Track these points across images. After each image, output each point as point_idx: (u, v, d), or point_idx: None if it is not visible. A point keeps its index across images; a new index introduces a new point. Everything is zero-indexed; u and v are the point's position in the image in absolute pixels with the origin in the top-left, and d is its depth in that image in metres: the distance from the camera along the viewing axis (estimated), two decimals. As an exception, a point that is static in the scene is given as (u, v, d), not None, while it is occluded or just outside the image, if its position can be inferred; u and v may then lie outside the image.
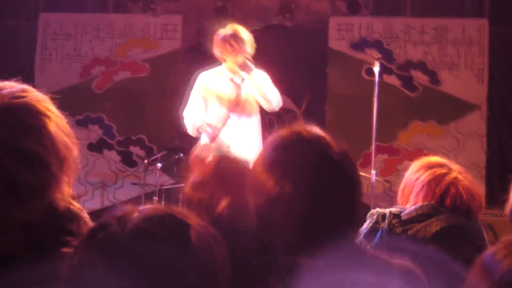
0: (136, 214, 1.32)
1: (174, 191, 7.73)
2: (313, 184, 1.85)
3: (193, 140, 6.41)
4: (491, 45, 8.99)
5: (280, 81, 6.48)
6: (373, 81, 6.90)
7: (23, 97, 1.65)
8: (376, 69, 6.77)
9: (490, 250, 1.54)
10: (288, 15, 9.19)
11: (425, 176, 2.87)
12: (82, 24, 9.67)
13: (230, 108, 6.21)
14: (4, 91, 1.64)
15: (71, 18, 9.69)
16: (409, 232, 2.63)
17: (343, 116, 8.47)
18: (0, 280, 1.44)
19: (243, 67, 6.11)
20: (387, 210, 2.76)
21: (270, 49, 6.07)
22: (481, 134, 8.83)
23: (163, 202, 7.43)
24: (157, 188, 7.75)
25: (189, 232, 1.30)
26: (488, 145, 8.77)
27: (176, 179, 8.10)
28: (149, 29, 9.55)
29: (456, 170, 2.90)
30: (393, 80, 8.95)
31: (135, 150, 9.04)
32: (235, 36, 6.13)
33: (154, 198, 7.63)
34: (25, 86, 1.69)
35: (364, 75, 8.83)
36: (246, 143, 6.13)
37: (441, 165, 2.92)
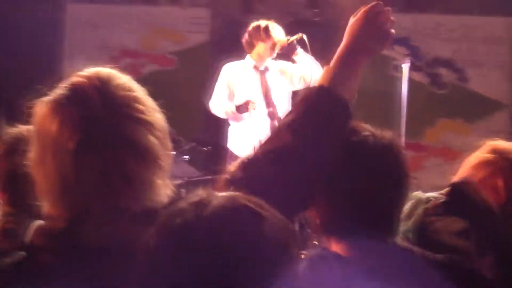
0: (213, 202, 1.34)
1: (201, 183, 7.75)
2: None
3: (221, 134, 6.50)
4: (519, 44, 8.93)
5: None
6: (401, 78, 6.86)
7: (133, 90, 1.68)
8: (405, 65, 6.73)
9: None
10: (316, 10, 9.17)
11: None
12: (110, 16, 9.71)
13: (255, 97, 6.37)
14: (116, 81, 1.67)
15: (99, 9, 9.74)
16: (436, 224, 2.40)
17: (370, 112, 8.41)
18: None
19: (288, 47, 6.34)
20: (428, 195, 2.45)
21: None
22: (507, 133, 8.77)
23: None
24: (185, 180, 7.76)
25: (263, 225, 1.32)
26: (515, 144, 8.70)
27: (203, 172, 8.11)
28: (177, 22, 9.57)
29: None
30: (421, 77, 8.91)
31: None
32: (269, 25, 6.37)
33: (182, 190, 7.63)
34: (127, 76, 1.72)
35: (392, 71, 8.80)
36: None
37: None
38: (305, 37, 6.24)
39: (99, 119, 1.59)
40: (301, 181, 1.75)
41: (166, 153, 1.68)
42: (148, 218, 1.46)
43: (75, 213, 1.59)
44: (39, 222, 1.68)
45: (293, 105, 1.85)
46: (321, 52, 6.03)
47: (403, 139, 6.70)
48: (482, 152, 2.67)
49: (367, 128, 2.00)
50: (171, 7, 9.58)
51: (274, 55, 6.45)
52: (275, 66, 6.55)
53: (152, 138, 1.63)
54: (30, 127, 2.43)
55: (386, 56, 8.88)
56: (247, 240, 1.30)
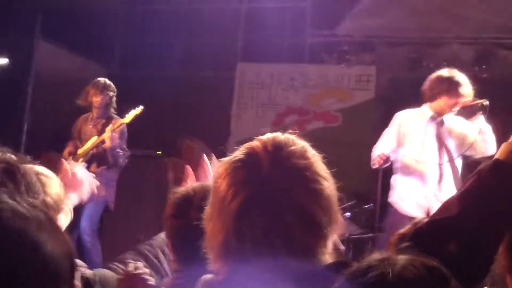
0: (401, 258, 1.44)
1: (362, 241, 7.69)
2: None
3: (383, 191, 6.35)
4: None
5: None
6: None
7: (306, 157, 1.73)
8: None
9: None
10: (484, 66, 8.99)
11: None
12: (277, 74, 9.93)
13: (423, 149, 6.06)
14: (289, 149, 1.73)
15: (267, 68, 10.00)
16: None
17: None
18: None
19: (469, 108, 5.93)
20: None
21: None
22: None
23: (351, 252, 7.42)
24: (346, 237, 7.74)
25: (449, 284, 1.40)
26: None
27: (364, 229, 8.05)
28: (342, 80, 9.64)
29: None
30: None
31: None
32: (459, 81, 5.94)
33: (342, 247, 7.61)
34: (304, 144, 1.77)
35: None
36: (442, 189, 5.96)
37: None
38: (487, 103, 5.81)
39: (265, 183, 1.65)
40: (470, 258, 1.70)
41: (331, 221, 1.70)
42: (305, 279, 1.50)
43: (234, 268, 1.65)
44: (206, 276, 1.75)
45: (466, 178, 1.81)
46: (490, 109, 5.85)
47: None
48: None
49: None
50: (337, 65, 9.67)
51: (455, 111, 5.99)
52: (453, 121, 6.09)
53: (316, 207, 1.66)
54: (196, 185, 2.53)
55: None
56: None
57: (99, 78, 7.38)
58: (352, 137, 9.01)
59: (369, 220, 7.84)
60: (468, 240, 1.70)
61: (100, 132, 7.11)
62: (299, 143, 1.75)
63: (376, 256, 1.46)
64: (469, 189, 1.75)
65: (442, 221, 1.75)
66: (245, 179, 1.66)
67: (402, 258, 1.42)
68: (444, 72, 6.04)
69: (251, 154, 1.71)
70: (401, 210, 6.06)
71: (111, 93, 7.29)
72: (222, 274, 1.68)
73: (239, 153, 1.73)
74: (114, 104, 7.39)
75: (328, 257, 1.70)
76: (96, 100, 7.23)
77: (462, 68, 9.01)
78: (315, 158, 1.75)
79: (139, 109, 7.18)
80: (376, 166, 6.06)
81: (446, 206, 1.79)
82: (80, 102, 7.30)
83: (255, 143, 1.75)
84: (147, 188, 8.04)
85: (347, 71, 9.62)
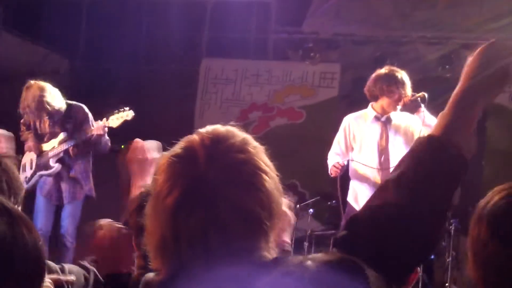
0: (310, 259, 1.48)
1: (324, 237, 7.71)
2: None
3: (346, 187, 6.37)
4: None
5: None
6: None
7: (246, 151, 1.65)
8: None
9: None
10: (447, 66, 9.06)
11: None
12: (242, 70, 9.93)
13: (375, 149, 6.09)
14: (227, 142, 1.65)
15: (232, 63, 9.99)
16: None
17: (501, 171, 8.19)
18: None
19: (411, 104, 5.94)
20: None
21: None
22: None
23: (313, 248, 7.45)
24: (308, 234, 7.76)
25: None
26: None
27: (327, 226, 8.08)
28: (307, 77, 9.67)
29: None
30: None
31: (287, 195, 9.02)
32: (392, 76, 5.94)
33: (305, 243, 7.65)
34: (245, 136, 1.69)
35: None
36: None
37: None
38: (426, 96, 5.81)
39: (201, 178, 1.59)
40: (409, 238, 1.64)
41: (272, 216, 1.63)
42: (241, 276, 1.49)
43: (171, 267, 1.61)
44: (150, 275, 1.73)
45: (401, 159, 1.71)
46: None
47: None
48: None
49: None
50: (302, 62, 9.68)
51: (398, 109, 6.01)
52: (399, 118, 6.09)
53: (255, 202, 1.60)
54: None
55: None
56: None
57: (30, 82, 6.62)
58: (315, 134, 9.03)
59: (332, 216, 7.88)
60: (406, 225, 1.63)
61: (64, 128, 6.75)
62: (239, 136, 1.67)
63: (294, 260, 1.49)
64: (406, 169, 1.67)
65: (378, 207, 1.67)
66: (181, 174, 1.60)
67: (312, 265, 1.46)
68: (383, 71, 6.03)
69: (188, 149, 1.64)
70: (357, 210, 6.08)
71: (47, 94, 6.52)
72: (161, 273, 1.63)
73: (177, 147, 1.67)
74: (54, 95, 6.59)
75: (270, 253, 1.63)
76: (38, 107, 6.54)
77: (426, 68, 9.10)
78: (256, 151, 1.66)
79: (129, 114, 6.49)
80: (333, 175, 6.12)
81: (381, 190, 1.70)
82: (25, 117, 6.74)
83: (193, 136, 1.67)
84: (111, 182, 7.97)
85: (311, 68, 9.64)
